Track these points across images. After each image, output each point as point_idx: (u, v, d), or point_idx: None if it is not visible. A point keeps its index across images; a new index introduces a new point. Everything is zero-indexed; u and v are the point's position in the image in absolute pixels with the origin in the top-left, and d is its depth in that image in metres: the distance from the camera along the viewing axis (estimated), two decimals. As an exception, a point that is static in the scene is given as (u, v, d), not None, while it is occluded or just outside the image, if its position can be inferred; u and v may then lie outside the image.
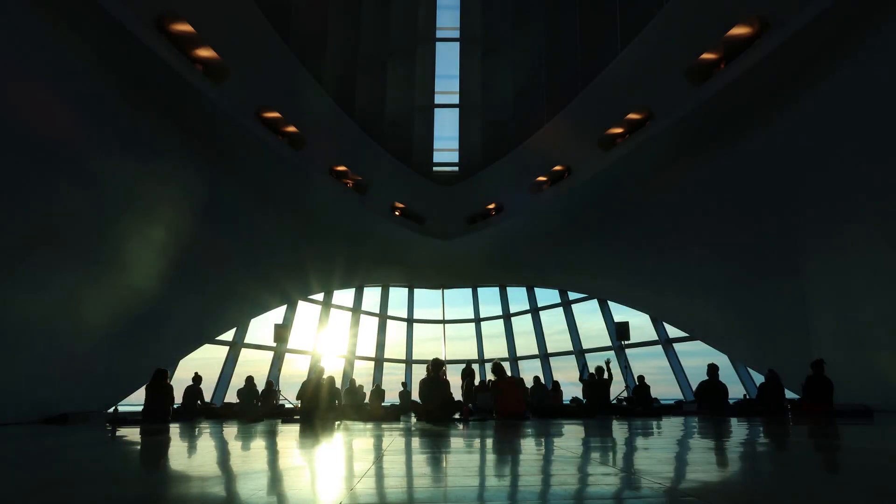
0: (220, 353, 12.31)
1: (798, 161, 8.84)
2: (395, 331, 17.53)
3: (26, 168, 6.85)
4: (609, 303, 14.71)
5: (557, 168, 12.86)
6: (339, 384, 14.79)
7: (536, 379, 11.24)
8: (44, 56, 6.86)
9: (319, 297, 15.06)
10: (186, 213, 9.79)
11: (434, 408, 7.32)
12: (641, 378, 11.18)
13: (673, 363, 12.94)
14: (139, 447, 4.31)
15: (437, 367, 7.56)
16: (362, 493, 1.86)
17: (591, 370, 10.03)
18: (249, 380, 10.47)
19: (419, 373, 17.24)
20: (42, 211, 7.22)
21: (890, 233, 7.58)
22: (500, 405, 7.30)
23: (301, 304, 14.36)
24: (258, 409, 9.89)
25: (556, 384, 11.77)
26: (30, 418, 7.45)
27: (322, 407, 8.11)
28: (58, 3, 6.75)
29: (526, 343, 16.95)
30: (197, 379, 9.85)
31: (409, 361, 17.22)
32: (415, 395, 8.45)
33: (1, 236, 6.76)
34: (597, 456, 3.04)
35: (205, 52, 8.61)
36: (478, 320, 17.91)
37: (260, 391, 10.75)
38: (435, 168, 15.52)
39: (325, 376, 8.55)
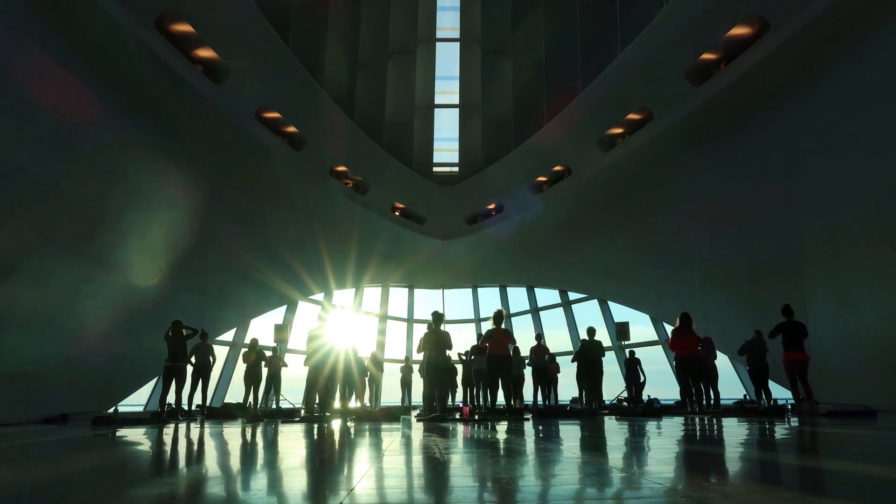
0: (220, 353, 12.29)
1: (798, 160, 8.85)
2: (395, 331, 17.55)
3: (27, 167, 6.84)
4: (609, 303, 14.70)
5: (557, 168, 12.86)
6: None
7: (539, 338, 11.85)
8: (44, 56, 6.86)
9: (319, 297, 15.04)
10: (188, 210, 9.80)
11: (439, 386, 7.98)
12: (632, 352, 11.48)
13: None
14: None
15: (437, 321, 8.03)
16: (362, 493, 1.86)
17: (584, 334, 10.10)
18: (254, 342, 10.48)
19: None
20: (43, 209, 7.22)
21: (890, 232, 7.57)
22: (491, 347, 7.98)
23: (301, 304, 14.34)
24: (257, 409, 9.88)
25: (552, 356, 11.96)
26: (30, 418, 7.44)
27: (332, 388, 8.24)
28: (59, 4, 6.76)
29: (526, 344, 16.92)
30: (204, 335, 9.51)
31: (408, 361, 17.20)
32: (417, 356, 8.82)
33: (1, 235, 6.76)
34: (597, 456, 3.05)
35: (205, 52, 8.61)
36: (478, 320, 17.90)
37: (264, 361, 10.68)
38: (435, 168, 15.51)
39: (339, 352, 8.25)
